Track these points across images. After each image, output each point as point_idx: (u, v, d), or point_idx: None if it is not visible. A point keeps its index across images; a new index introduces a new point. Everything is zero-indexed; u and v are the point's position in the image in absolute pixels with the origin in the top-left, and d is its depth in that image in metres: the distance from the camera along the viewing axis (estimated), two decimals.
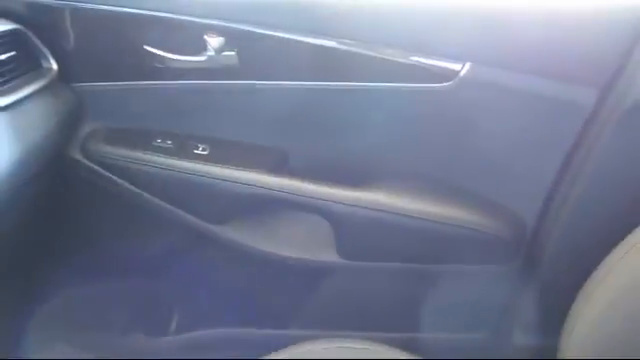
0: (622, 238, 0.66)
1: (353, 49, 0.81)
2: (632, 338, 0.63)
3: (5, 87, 0.76)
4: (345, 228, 0.90)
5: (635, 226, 0.65)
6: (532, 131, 0.82)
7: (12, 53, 0.79)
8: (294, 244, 0.94)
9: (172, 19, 0.82)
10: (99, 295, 1.07)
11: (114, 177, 0.92)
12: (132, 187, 0.92)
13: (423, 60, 0.80)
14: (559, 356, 0.69)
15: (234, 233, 0.94)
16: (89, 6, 0.83)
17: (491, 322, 0.98)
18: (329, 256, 0.93)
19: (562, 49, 0.76)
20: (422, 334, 0.96)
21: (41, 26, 0.85)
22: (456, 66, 0.80)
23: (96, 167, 0.92)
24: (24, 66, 0.82)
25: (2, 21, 0.80)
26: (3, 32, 0.79)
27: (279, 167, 0.91)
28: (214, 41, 0.83)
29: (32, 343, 1.05)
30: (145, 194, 0.92)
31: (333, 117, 0.88)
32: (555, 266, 0.87)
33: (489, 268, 0.91)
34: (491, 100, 0.81)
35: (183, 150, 0.91)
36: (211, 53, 0.84)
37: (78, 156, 0.92)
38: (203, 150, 0.91)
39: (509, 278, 0.92)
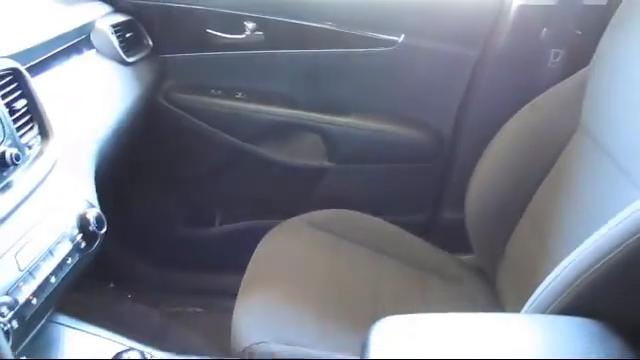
0: None
1: (333, 28, 1.35)
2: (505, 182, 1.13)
3: (128, 52, 1.29)
4: (333, 141, 1.42)
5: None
6: (442, 75, 1.35)
7: (131, 33, 1.32)
8: (300, 154, 1.46)
9: (224, 12, 1.36)
10: (168, 199, 1.58)
11: (185, 114, 1.43)
12: (196, 120, 1.43)
13: (375, 34, 1.34)
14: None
15: (260, 149, 1.45)
16: (172, 5, 1.37)
17: (427, 205, 1.50)
18: (323, 161, 1.45)
19: (455, 22, 1.30)
20: (383, 216, 1.44)
21: (143, 18, 1.37)
22: (396, 37, 1.34)
23: (174, 108, 1.43)
24: (135, 42, 1.35)
25: (125, 15, 1.33)
26: (124, 21, 1.32)
27: (290, 105, 1.43)
28: (249, 25, 1.36)
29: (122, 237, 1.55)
30: (204, 124, 1.43)
31: (323, 72, 1.40)
32: (464, 161, 1.38)
33: (421, 165, 1.44)
34: (417, 57, 1.34)
35: (228, 96, 1.43)
36: (248, 33, 1.37)
37: (163, 101, 1.43)
38: (242, 96, 1.43)
39: (436, 171, 1.45)
